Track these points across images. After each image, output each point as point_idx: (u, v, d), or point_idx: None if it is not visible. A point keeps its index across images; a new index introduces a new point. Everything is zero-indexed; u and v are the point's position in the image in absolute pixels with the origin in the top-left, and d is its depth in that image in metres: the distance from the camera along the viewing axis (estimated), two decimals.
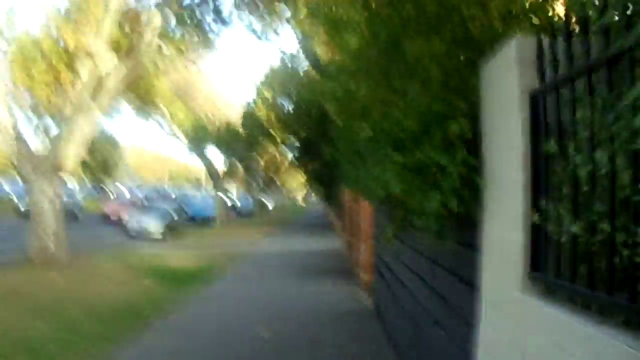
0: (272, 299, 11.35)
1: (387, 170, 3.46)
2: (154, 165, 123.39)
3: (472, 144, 3.09)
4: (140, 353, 7.50)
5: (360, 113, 4.28)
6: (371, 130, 3.87)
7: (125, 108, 36.15)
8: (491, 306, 2.98)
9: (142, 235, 27.33)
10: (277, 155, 58.46)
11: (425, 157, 3.08)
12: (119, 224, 31.16)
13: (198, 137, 35.75)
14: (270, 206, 68.34)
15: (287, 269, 15.36)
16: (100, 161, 58.79)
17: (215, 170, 38.35)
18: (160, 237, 27.55)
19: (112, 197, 45.67)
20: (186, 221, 38.96)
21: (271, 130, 32.30)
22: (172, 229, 28.94)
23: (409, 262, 5.98)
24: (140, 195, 51.59)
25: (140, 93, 33.58)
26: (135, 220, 28.54)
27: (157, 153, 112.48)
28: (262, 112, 32.70)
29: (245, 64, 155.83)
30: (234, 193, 76.38)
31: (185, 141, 36.58)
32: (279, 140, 32.61)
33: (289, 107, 32.00)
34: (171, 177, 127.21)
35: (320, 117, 29.37)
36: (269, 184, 65.14)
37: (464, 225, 3.38)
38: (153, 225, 28.07)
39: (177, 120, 35.78)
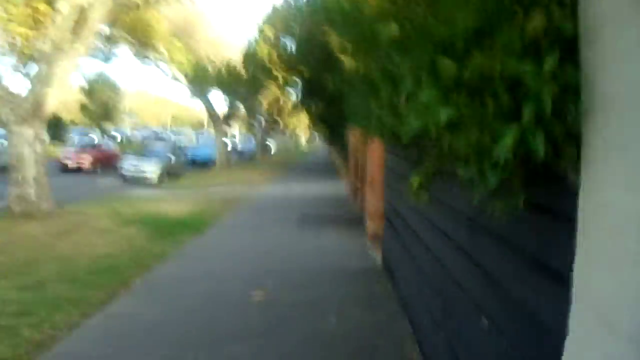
0: (268, 253, 10.19)
1: (424, 90, 2.15)
2: (157, 109, 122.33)
3: (569, 48, 1.81)
4: (110, 324, 6.37)
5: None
6: (401, 29, 2.58)
7: (125, 52, 35.00)
8: (596, 318, 1.75)
9: (137, 180, 26.33)
10: (280, 97, 57.01)
11: (493, 65, 1.82)
12: (78, 172, 30.40)
13: (198, 79, 34.22)
14: (273, 148, 67.20)
15: (286, 217, 14.10)
16: (100, 105, 57.50)
17: (216, 113, 36.94)
18: (156, 181, 26.52)
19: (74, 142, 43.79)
20: (186, 164, 38.17)
21: (273, 70, 30.77)
22: (169, 173, 27.85)
23: (436, 219, 4.71)
24: (137, 137, 50.62)
25: (137, 35, 32.09)
26: (130, 164, 27.40)
27: (160, 97, 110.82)
28: (264, 52, 31.10)
29: (247, 2, 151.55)
30: (237, 135, 75.13)
31: (186, 83, 35.06)
32: (281, 80, 31.09)
33: (292, 45, 30.45)
34: (174, 120, 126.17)
35: (325, 55, 28.02)
36: (272, 126, 63.71)
37: (546, 179, 2.13)
38: (149, 169, 26.95)
39: (176, 62, 34.15)
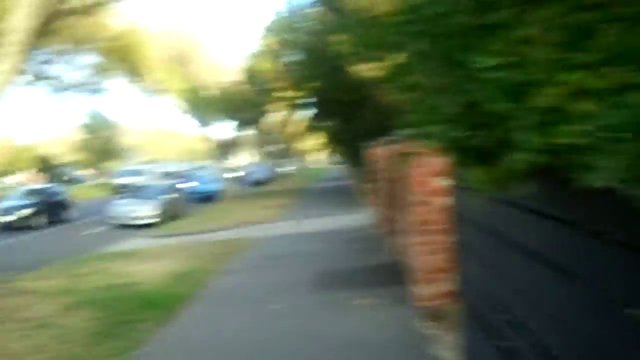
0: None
1: None
2: (166, 142, 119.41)
3: None
4: None
5: None
6: None
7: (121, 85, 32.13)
8: None
9: (129, 222, 23.21)
10: (290, 116, 53.56)
11: None
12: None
13: (197, 105, 30.79)
14: (286, 172, 63.86)
15: (296, 277, 10.11)
16: (98, 144, 54.45)
17: (220, 139, 33.43)
18: (151, 221, 23.10)
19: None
20: (190, 199, 34.82)
21: (278, 86, 27.28)
22: (167, 214, 24.38)
23: None
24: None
25: (128, 63, 28.90)
26: (121, 209, 23.98)
27: (168, 130, 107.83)
28: (266, 65, 27.65)
29: (250, 17, 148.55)
30: (247, 161, 71.95)
31: (185, 111, 31.66)
32: (289, 98, 27.53)
33: (298, 56, 26.94)
34: (183, 153, 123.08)
35: (338, 65, 24.46)
36: (285, 149, 60.24)
37: None
38: (143, 212, 23.51)
39: (172, 89, 30.70)
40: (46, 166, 41.97)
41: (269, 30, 28.19)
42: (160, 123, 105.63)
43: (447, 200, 6.10)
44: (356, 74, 20.54)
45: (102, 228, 23.67)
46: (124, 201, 24.99)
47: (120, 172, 47.21)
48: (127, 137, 66.45)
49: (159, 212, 23.89)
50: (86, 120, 54.53)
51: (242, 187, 43.48)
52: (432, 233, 7.00)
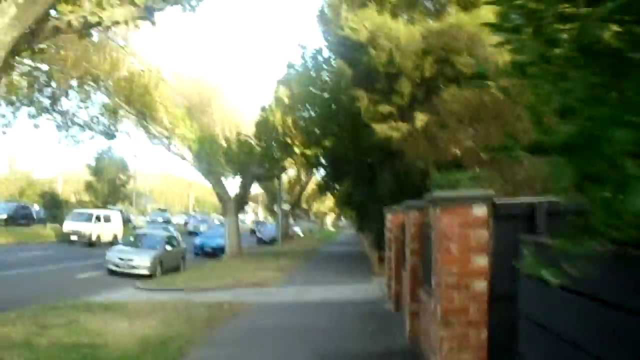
0: None
1: None
2: (180, 191, 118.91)
3: None
4: None
5: None
6: None
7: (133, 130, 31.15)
8: None
9: (125, 270, 21.95)
10: (302, 175, 52.27)
11: None
12: None
13: (204, 154, 29.31)
14: (298, 233, 62.16)
15: None
16: (105, 186, 53.18)
17: (227, 194, 31.83)
18: (146, 272, 21.55)
19: None
20: (196, 252, 33.72)
21: (289, 141, 25.88)
22: (163, 266, 22.77)
23: None
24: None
25: (136, 105, 27.80)
26: (117, 256, 22.49)
27: (184, 179, 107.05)
28: (277, 118, 26.30)
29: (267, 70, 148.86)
30: (257, 219, 70.49)
31: (191, 160, 30.20)
32: (298, 151, 26.05)
33: (311, 112, 25.69)
34: (197, 204, 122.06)
35: (353, 122, 23.08)
36: (294, 207, 58.66)
37: None
38: (138, 261, 21.95)
39: (180, 135, 29.31)
40: (50, 203, 40.62)
41: (281, 82, 26.95)
42: (172, 171, 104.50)
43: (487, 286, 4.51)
44: (376, 133, 19.09)
45: (99, 272, 22.23)
46: (123, 248, 23.49)
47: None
48: (136, 181, 65.15)
49: (156, 263, 22.30)
50: (94, 160, 53.43)
51: (251, 245, 42.03)
52: (465, 325, 5.30)
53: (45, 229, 40.44)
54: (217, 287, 18.04)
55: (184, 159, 30.10)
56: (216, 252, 32.67)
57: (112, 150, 53.42)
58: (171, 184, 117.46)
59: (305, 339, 9.81)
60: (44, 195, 41.81)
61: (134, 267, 21.91)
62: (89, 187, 53.01)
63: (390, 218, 13.04)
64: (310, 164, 28.85)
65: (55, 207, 41.17)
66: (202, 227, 53.52)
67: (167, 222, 55.54)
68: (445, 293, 5.44)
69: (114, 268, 22.19)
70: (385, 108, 18.96)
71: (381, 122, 19.00)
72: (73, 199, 52.81)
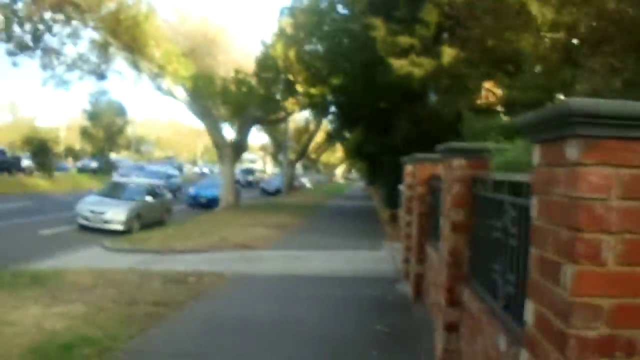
0: None
1: None
2: (188, 139, 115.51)
3: None
4: None
5: None
6: None
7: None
8: None
9: (96, 225, 18.94)
10: (310, 124, 48.85)
11: None
12: None
13: (198, 93, 25.88)
14: (302, 184, 59.21)
15: None
16: (104, 131, 49.86)
17: (223, 139, 28.52)
18: (120, 227, 18.72)
19: None
20: (189, 203, 31.17)
21: (292, 78, 22.40)
22: (141, 220, 19.76)
23: None
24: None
25: (127, 37, 24.29)
26: (88, 208, 19.41)
27: (183, 125, 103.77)
28: (280, 53, 22.78)
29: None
30: (261, 168, 67.92)
31: (183, 99, 26.73)
32: (302, 90, 22.59)
33: (317, 44, 22.06)
34: (207, 152, 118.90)
35: (365, 54, 19.64)
36: (302, 157, 55.24)
37: None
38: (111, 215, 18.92)
39: (171, 72, 25.78)
40: (38, 150, 37.37)
41: (287, 11, 23.26)
42: (181, 119, 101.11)
43: None
44: (393, 70, 15.72)
45: (66, 228, 19.15)
46: (95, 199, 20.31)
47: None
48: (135, 126, 61.97)
49: (133, 217, 19.18)
50: (89, 105, 50.14)
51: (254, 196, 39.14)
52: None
53: (32, 178, 37.35)
54: (196, 249, 14.97)
55: (175, 98, 26.65)
56: (210, 204, 29.54)
57: (108, 93, 50.12)
58: (179, 131, 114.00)
59: (290, 343, 6.61)
60: (31, 142, 38.44)
61: (106, 222, 18.78)
62: (84, 133, 49.96)
63: (411, 171, 9.71)
64: (315, 106, 25.40)
65: (43, 154, 37.84)
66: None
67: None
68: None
69: (84, 222, 19.04)
70: (405, 40, 15.63)
71: (400, 56, 15.65)
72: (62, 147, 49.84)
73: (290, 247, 15.48)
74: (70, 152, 53.26)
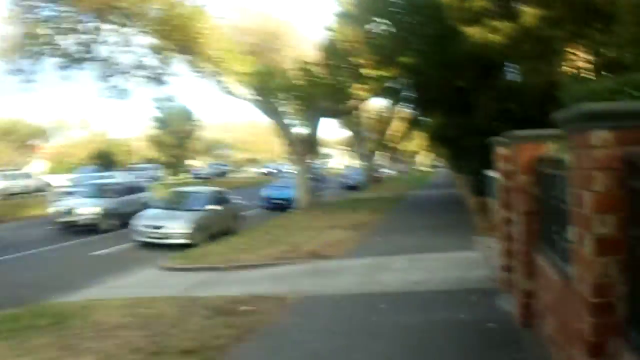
0: None
1: None
2: (266, 140, 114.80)
3: None
4: None
5: None
6: None
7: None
8: None
9: (155, 240, 17.56)
10: (392, 108, 46.52)
11: None
12: None
13: (263, 89, 24.28)
14: (387, 176, 57.09)
15: None
16: (174, 137, 49.29)
17: (293, 134, 26.81)
18: (184, 241, 17.32)
19: None
20: (264, 206, 29.54)
21: (360, 63, 20.37)
22: (207, 228, 18.34)
23: None
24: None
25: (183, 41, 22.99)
26: (148, 224, 18.21)
27: (255, 125, 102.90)
28: (344, 36, 20.80)
29: None
30: (342, 163, 66.38)
31: (249, 98, 25.20)
32: (370, 74, 20.50)
33: (383, 23, 19.87)
34: (273, 151, 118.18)
35: (435, 27, 17.41)
36: (381, 147, 52.90)
37: None
38: (173, 224, 17.75)
39: (233, 71, 24.27)
40: (105, 163, 36.91)
41: None
42: (251, 118, 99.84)
43: None
44: (468, 39, 13.55)
45: (125, 246, 17.82)
46: (153, 212, 18.92)
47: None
48: (210, 132, 61.42)
49: (194, 229, 17.65)
50: (158, 112, 49.68)
51: (332, 192, 37.33)
52: None
53: None
54: (262, 262, 13.27)
55: (237, 97, 25.11)
56: (285, 205, 27.86)
57: (174, 99, 49.39)
58: (257, 132, 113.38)
59: None
60: (99, 156, 37.90)
61: (167, 237, 17.33)
62: (154, 140, 49.67)
63: (507, 153, 7.54)
64: (387, 91, 23.23)
65: (109, 167, 37.21)
66: None
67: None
68: None
69: (142, 239, 17.72)
70: (477, 2, 13.38)
71: (474, 22, 13.46)
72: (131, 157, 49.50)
73: (369, 253, 13.47)
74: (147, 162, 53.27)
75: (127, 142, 61.21)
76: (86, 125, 65.99)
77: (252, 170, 72.86)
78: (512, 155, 6.89)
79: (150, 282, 12.38)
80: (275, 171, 63.05)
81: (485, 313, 7.39)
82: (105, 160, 37.55)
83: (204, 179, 44.75)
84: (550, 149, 5.96)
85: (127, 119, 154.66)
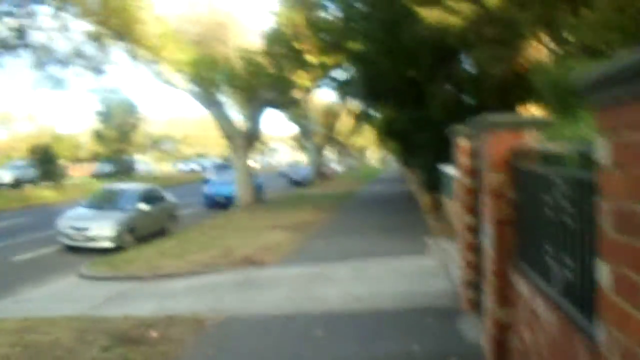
0: None
1: None
2: (218, 135, 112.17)
3: None
4: None
5: None
6: None
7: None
8: None
9: (80, 243, 15.77)
10: (336, 103, 45.26)
11: None
12: None
13: (202, 78, 22.55)
14: (335, 171, 55.90)
15: None
16: (116, 131, 46.97)
17: (232, 127, 25.13)
18: (109, 244, 15.62)
19: None
20: (204, 204, 27.99)
21: (301, 47, 18.87)
22: (136, 230, 16.65)
23: None
24: None
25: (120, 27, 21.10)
26: (71, 225, 16.29)
27: (196, 119, 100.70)
28: (286, 21, 19.26)
29: None
30: (286, 158, 65.38)
31: (185, 87, 23.44)
32: (313, 60, 19.03)
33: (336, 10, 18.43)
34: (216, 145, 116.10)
35: (385, 9, 16.02)
36: (329, 141, 51.60)
37: None
38: (99, 226, 15.76)
39: (169, 59, 22.46)
40: (43, 159, 34.47)
41: None
42: (197, 113, 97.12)
43: None
44: (423, 23, 12.25)
45: (50, 250, 16.02)
46: (80, 212, 17.09)
47: None
48: (156, 126, 59.25)
49: (121, 231, 15.91)
50: (100, 105, 47.25)
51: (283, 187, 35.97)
52: None
53: (37, 189, 34.21)
54: (188, 270, 11.73)
55: (175, 87, 23.30)
56: (227, 203, 26.21)
57: (118, 92, 47.05)
58: (208, 127, 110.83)
59: None
60: (35, 151, 35.38)
61: (91, 239, 15.61)
62: (97, 135, 47.19)
63: (471, 147, 6.13)
64: (331, 81, 21.85)
65: (48, 163, 34.81)
66: None
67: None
68: None
69: (67, 242, 15.94)
70: None
71: (431, 3, 12.20)
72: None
73: (309, 259, 11.98)
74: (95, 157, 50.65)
75: (74, 137, 58.79)
76: (32, 118, 63.47)
77: (178, 167, 68.01)
78: (479, 148, 5.46)
79: (65, 294, 10.96)
80: (200, 168, 60.18)
81: (444, 343, 5.95)
82: (43, 155, 34.98)
83: (107, 177, 42.18)
84: (531, 139, 4.56)
85: (75, 113, 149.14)
